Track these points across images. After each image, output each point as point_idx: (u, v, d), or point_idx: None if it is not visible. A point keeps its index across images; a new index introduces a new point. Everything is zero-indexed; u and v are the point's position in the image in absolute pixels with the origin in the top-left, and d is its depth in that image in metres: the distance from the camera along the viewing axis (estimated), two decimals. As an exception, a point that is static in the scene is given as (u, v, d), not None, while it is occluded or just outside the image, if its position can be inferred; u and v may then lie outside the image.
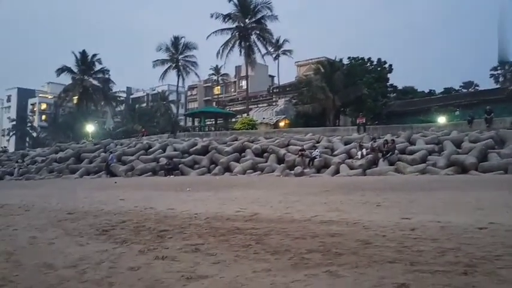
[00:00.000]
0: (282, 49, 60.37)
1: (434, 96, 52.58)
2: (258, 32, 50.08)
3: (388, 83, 46.97)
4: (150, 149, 30.09)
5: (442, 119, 35.47)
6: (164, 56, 56.86)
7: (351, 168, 23.06)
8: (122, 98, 76.90)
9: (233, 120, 50.35)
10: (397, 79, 51.34)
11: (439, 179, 16.61)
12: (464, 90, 70.70)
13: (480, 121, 28.85)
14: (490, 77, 74.52)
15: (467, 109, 38.19)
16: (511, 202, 8.54)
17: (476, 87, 73.12)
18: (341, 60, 45.86)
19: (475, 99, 43.06)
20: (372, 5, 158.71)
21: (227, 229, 6.44)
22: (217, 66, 72.68)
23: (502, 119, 28.08)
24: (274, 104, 59.75)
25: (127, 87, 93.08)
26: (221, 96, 76.88)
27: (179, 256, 4.69)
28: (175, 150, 29.19)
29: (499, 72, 74.83)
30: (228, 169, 25.72)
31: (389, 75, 46.48)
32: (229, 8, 49.26)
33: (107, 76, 62.61)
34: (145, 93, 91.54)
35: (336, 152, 25.53)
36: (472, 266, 3.82)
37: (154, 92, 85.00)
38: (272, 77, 74.91)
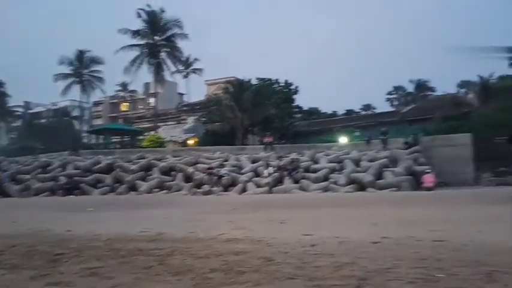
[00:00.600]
0: (191, 67, 60.37)
1: (336, 117, 55.49)
2: (167, 50, 49.66)
3: (294, 104, 48.71)
4: (49, 167, 28.30)
5: (343, 139, 37.36)
6: (67, 70, 54.24)
7: (258, 186, 23.48)
8: (18, 113, 71.82)
9: (140, 137, 49.05)
10: (303, 100, 53.88)
11: (340, 196, 17.44)
12: (364, 112, 75.42)
13: (377, 141, 30.84)
14: (386, 101, 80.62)
15: (366, 130, 40.65)
16: (401, 217, 9.18)
17: (374, 110, 78.31)
18: (250, 80, 46.83)
19: (372, 120, 45.95)
20: (283, 26, 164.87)
21: (129, 250, 6.20)
22: (124, 82, 70.75)
23: (396, 140, 30.26)
24: (183, 122, 59.26)
25: (25, 101, 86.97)
26: (129, 113, 74.70)
27: (74, 281, 4.41)
28: (76, 168, 27.72)
29: (394, 96, 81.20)
30: (133, 188, 24.95)
31: (295, 96, 48.25)
32: (139, 24, 48.45)
33: (1, 89, 58.25)
34: (45, 109, 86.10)
35: (243, 171, 25.86)
36: (365, 279, 4.02)
37: (55, 107, 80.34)
38: (182, 94, 74.42)
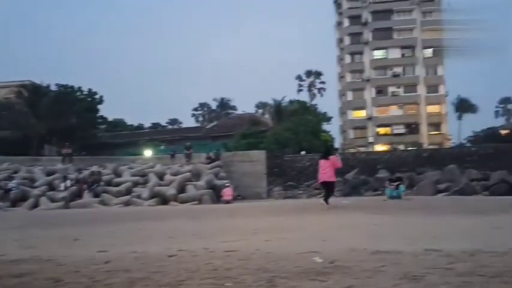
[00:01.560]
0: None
1: (142, 130, 54.85)
2: None
3: (98, 114, 46.63)
4: None
5: (148, 153, 37.14)
6: None
7: (53, 201, 21.67)
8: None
9: None
10: (108, 111, 51.86)
11: (142, 209, 17.21)
12: (170, 127, 76.37)
13: (181, 156, 31.48)
14: (192, 116, 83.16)
15: (171, 144, 41.17)
16: (197, 229, 9.50)
17: (180, 125, 79.96)
18: (48, 86, 43.18)
19: (178, 135, 46.81)
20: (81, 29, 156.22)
21: None
22: None
23: (199, 155, 31.36)
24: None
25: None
26: None
27: None
28: None
29: (199, 112, 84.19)
30: None
31: (99, 106, 46.25)
32: None
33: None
34: None
35: (36, 184, 23.58)
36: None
37: None
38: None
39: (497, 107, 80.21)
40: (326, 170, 12.86)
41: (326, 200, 12.79)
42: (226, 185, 24.23)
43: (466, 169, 30.16)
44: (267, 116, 57.70)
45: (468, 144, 46.12)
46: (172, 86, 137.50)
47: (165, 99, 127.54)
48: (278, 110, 47.28)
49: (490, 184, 26.35)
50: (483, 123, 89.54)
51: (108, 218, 13.32)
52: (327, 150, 14.70)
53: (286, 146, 38.14)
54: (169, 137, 47.58)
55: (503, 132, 47.48)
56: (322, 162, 13.15)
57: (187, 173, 25.55)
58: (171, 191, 22.57)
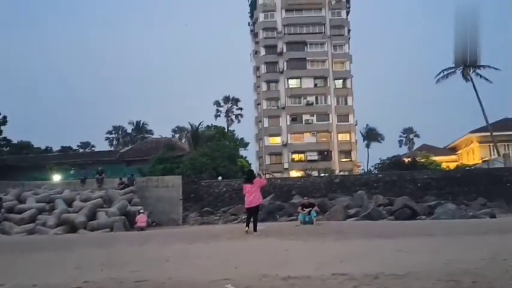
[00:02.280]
0: None
1: (51, 153, 51.94)
2: None
3: (1, 136, 43.56)
4: None
5: (57, 177, 35.20)
6: None
7: None
8: None
9: None
10: (13, 133, 48.47)
11: (47, 238, 16.18)
12: (82, 150, 73.12)
13: (93, 181, 30.17)
14: (106, 140, 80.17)
15: (82, 168, 39.37)
16: (106, 259, 9.11)
17: (93, 148, 76.81)
18: None
19: (90, 159, 44.93)
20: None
21: None
22: None
23: (112, 180, 30.26)
24: None
25: None
26: None
27: None
28: None
29: (113, 136, 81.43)
30: None
31: (3, 128, 43.24)
32: None
33: None
34: None
35: None
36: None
37: None
38: None
39: (400, 136, 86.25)
40: (253, 194, 12.80)
41: (249, 225, 12.85)
42: (141, 211, 23.53)
43: (374, 195, 31.86)
44: (184, 140, 57.24)
45: (375, 171, 48.83)
46: (85, 108, 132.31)
47: (77, 121, 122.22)
48: (195, 135, 47.09)
49: (395, 209, 27.99)
50: (389, 151, 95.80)
51: (8, 247, 12.36)
52: (250, 174, 14.72)
53: (202, 171, 37.98)
54: (80, 161, 45.47)
55: (406, 160, 50.95)
56: (247, 187, 12.96)
57: (99, 199, 24.47)
58: (80, 218, 21.46)
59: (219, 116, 74.46)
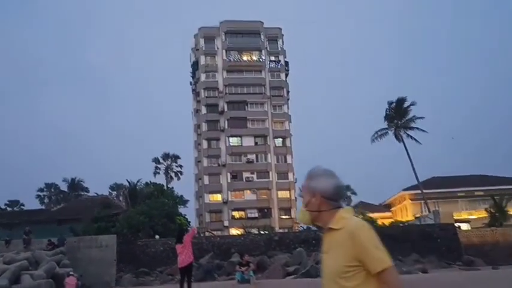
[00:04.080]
0: None
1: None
2: None
3: None
4: None
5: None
6: None
7: None
8: None
9: None
10: None
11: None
12: (9, 209, 69.00)
13: (19, 241, 28.36)
14: (36, 198, 76.02)
15: (9, 229, 37.03)
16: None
17: (22, 207, 72.64)
18: None
19: (18, 218, 42.48)
20: None
21: None
22: None
23: (40, 241, 28.60)
24: None
25: None
26: None
27: None
28: None
29: (44, 193, 77.55)
30: None
31: None
32: None
33: None
34: None
35: None
36: None
37: None
38: None
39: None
40: (184, 252, 12.60)
41: (183, 286, 12.51)
42: (71, 273, 22.16)
43: (313, 252, 32.01)
44: (121, 198, 55.46)
45: (314, 228, 49.35)
46: (15, 165, 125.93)
47: (6, 178, 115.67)
48: (133, 192, 45.85)
49: (333, 266, 28.19)
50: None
51: None
52: (180, 233, 14.47)
53: (139, 230, 36.74)
54: (6, 221, 42.65)
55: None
56: (178, 247, 12.81)
57: (24, 261, 22.84)
58: (2, 282, 19.87)
59: (158, 173, 73.14)
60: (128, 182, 49.03)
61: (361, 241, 2.12)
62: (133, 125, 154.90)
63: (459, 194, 62.12)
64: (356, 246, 2.11)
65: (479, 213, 53.51)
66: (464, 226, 49.75)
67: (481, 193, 58.72)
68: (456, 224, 43.53)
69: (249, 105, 70.90)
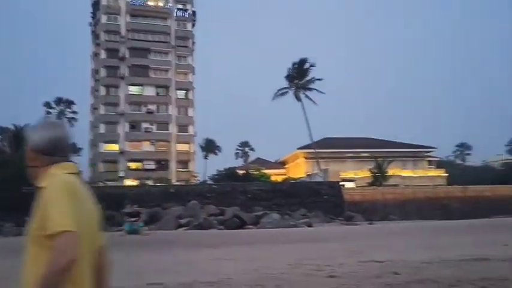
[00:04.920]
0: None
1: None
2: None
3: None
4: None
5: None
6: None
7: None
8: None
9: None
10: None
11: None
12: None
13: None
14: None
15: None
16: None
17: None
18: None
19: None
20: None
21: None
22: None
23: None
24: None
25: None
26: None
27: None
28: None
29: None
30: None
31: None
32: None
33: None
34: None
35: None
36: None
37: None
38: None
39: (237, 149, 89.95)
40: None
41: None
42: None
43: (207, 205, 32.58)
44: (5, 143, 51.35)
45: (211, 182, 50.11)
46: None
47: None
48: (18, 136, 42.62)
49: (225, 219, 29.02)
50: (226, 163, 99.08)
51: None
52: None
53: (25, 177, 34.45)
54: None
55: (240, 172, 53.28)
56: None
57: None
58: None
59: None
60: (15, 126, 45.44)
61: (45, 199, 1.85)
62: (22, 64, 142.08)
63: (347, 155, 66.47)
64: (41, 205, 1.85)
65: (364, 173, 57.89)
66: (350, 185, 53.70)
67: (367, 154, 63.41)
68: (342, 183, 46.77)
69: (152, 53, 68.27)
